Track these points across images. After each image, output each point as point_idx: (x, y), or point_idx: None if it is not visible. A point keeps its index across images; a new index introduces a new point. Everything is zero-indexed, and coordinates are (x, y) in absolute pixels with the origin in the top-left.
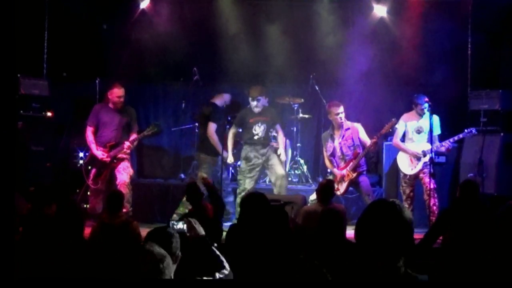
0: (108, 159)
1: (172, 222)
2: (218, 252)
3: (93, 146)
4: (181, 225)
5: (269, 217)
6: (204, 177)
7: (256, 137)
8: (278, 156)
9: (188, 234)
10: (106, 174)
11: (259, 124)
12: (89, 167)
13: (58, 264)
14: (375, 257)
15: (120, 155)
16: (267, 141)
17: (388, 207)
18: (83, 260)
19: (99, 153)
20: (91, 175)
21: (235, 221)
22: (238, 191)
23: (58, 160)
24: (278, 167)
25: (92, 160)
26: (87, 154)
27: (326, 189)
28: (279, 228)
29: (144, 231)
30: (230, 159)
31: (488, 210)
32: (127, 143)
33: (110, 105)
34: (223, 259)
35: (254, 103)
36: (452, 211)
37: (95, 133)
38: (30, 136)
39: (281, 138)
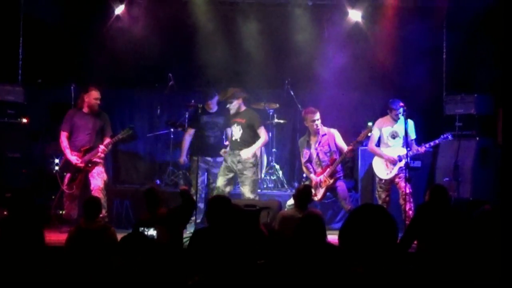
0: (82, 164)
1: (142, 228)
2: None
3: (67, 151)
4: (151, 232)
5: (233, 221)
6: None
7: (233, 139)
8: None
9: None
10: (81, 178)
11: (235, 126)
12: (64, 172)
13: (20, 268)
14: (361, 260)
15: (94, 159)
16: (244, 145)
17: (378, 211)
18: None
19: (74, 158)
20: (66, 180)
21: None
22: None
23: (33, 166)
24: (245, 188)
25: (67, 165)
26: (62, 159)
27: (303, 194)
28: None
29: (120, 237)
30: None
31: (459, 214)
32: (101, 147)
33: (84, 109)
34: None
35: (228, 106)
36: (424, 215)
37: (69, 138)
38: (5, 142)
39: (260, 140)
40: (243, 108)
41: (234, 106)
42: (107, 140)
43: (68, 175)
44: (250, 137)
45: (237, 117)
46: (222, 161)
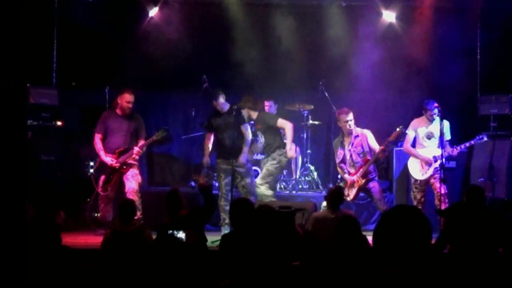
0: (118, 165)
1: (171, 231)
2: None
3: (102, 153)
4: (181, 234)
5: (263, 223)
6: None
7: (260, 145)
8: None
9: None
10: (116, 180)
11: (259, 133)
12: (99, 175)
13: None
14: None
15: (129, 161)
16: (271, 148)
17: (412, 212)
18: (62, 266)
19: (108, 159)
20: (100, 182)
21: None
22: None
23: (68, 169)
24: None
25: (101, 167)
26: (97, 161)
27: (335, 196)
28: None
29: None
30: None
31: (495, 215)
32: (136, 148)
33: (118, 111)
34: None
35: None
36: (458, 215)
37: (104, 140)
38: (40, 145)
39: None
40: (255, 114)
41: (244, 115)
42: (142, 142)
43: (102, 177)
44: (273, 138)
45: (256, 125)
46: (245, 160)
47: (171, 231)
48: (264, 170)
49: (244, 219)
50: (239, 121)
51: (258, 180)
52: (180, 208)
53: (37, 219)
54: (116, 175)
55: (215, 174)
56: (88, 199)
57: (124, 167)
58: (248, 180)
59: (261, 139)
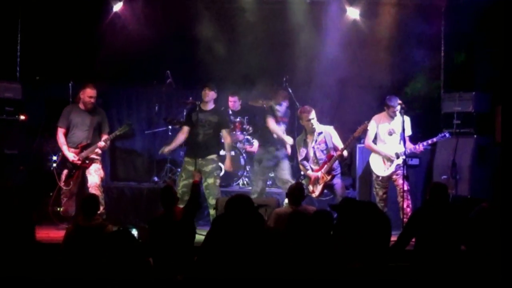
0: (80, 161)
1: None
2: None
3: (64, 148)
4: (134, 231)
5: (251, 220)
6: (197, 175)
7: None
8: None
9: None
10: (78, 175)
11: (281, 124)
12: (61, 169)
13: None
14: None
15: (91, 156)
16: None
17: (370, 208)
18: (37, 262)
19: (71, 155)
20: (63, 177)
21: None
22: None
23: (31, 163)
24: (286, 172)
25: (64, 161)
26: (59, 156)
27: (296, 191)
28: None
29: None
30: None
31: (458, 212)
32: (101, 143)
33: (81, 105)
34: None
35: (276, 108)
36: (423, 213)
37: (66, 135)
38: (3, 139)
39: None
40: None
41: (283, 109)
42: (105, 136)
43: (65, 172)
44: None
45: (283, 117)
46: (213, 160)
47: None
48: (288, 167)
49: (239, 214)
50: (223, 123)
51: (289, 178)
52: (175, 203)
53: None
54: (78, 170)
55: (179, 170)
56: (51, 193)
57: (87, 161)
58: (211, 180)
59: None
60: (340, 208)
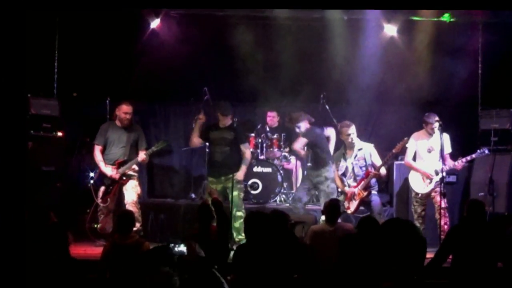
0: (118, 175)
1: (172, 244)
2: (218, 274)
3: (101, 164)
4: (181, 248)
5: (271, 236)
6: (213, 191)
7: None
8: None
9: (187, 257)
10: (115, 192)
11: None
12: (98, 186)
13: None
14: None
15: (128, 172)
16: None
17: (404, 226)
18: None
19: (108, 169)
20: (100, 193)
21: None
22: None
23: (68, 180)
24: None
25: (101, 178)
26: (96, 173)
27: (331, 209)
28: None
29: None
30: None
31: (495, 229)
32: (142, 155)
33: (117, 122)
34: (223, 281)
35: (296, 129)
36: (460, 230)
37: (103, 152)
38: (40, 156)
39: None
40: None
41: (304, 129)
42: (143, 152)
43: (102, 189)
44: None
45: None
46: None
47: (172, 244)
48: (325, 192)
49: (258, 232)
50: (239, 138)
51: (325, 187)
52: (211, 221)
53: (52, 227)
54: (115, 186)
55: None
56: (88, 210)
57: (124, 178)
58: (235, 193)
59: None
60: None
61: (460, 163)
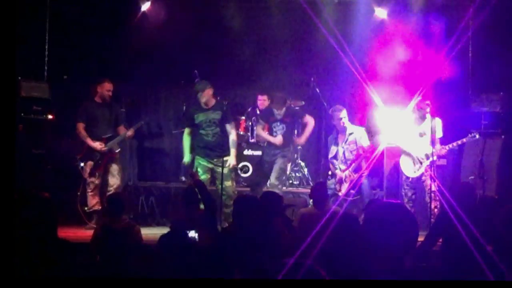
0: (106, 148)
1: (185, 231)
2: None
3: (88, 140)
4: (193, 234)
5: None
6: (195, 173)
7: (274, 134)
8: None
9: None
10: (104, 165)
11: (278, 124)
12: (86, 162)
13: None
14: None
15: (116, 150)
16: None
17: (397, 208)
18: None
19: (97, 144)
20: (87, 169)
21: None
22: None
23: (59, 163)
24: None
25: (89, 153)
26: (83, 150)
27: (318, 192)
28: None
29: (144, 235)
30: None
31: (485, 212)
32: (131, 130)
33: (98, 99)
34: None
35: (276, 112)
36: (450, 213)
37: (87, 129)
38: (31, 139)
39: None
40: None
41: (283, 112)
42: (124, 129)
43: (90, 164)
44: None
45: (283, 118)
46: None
47: (185, 231)
48: (277, 168)
49: (247, 216)
50: (227, 118)
51: (273, 181)
52: (198, 205)
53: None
54: (104, 161)
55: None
56: (78, 193)
57: (111, 152)
58: (228, 183)
59: (279, 129)
60: (367, 210)
61: (447, 148)
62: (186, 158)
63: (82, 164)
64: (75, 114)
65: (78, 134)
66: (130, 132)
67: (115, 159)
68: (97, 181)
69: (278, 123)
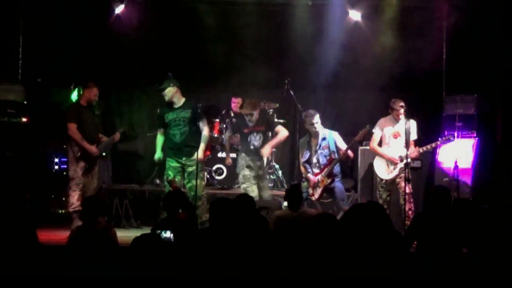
0: (98, 153)
1: (159, 231)
2: None
3: (85, 143)
4: (168, 234)
5: (238, 222)
6: (172, 181)
7: (252, 147)
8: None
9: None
10: (94, 169)
11: (255, 134)
12: (78, 162)
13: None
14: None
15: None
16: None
17: (376, 208)
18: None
19: (93, 147)
20: (79, 170)
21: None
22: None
23: (34, 165)
24: (266, 191)
25: (84, 155)
26: (62, 159)
27: (292, 194)
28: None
29: (119, 237)
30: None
31: (460, 215)
32: (117, 134)
33: (83, 102)
34: None
35: (247, 118)
36: (425, 216)
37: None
38: (5, 142)
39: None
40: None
41: (255, 118)
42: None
43: (82, 165)
44: (266, 141)
45: (256, 126)
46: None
47: (158, 231)
48: (263, 173)
49: (223, 218)
50: (196, 117)
51: (266, 183)
52: (178, 209)
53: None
54: (95, 164)
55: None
56: (53, 196)
57: (103, 154)
58: (198, 181)
59: (257, 139)
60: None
61: (420, 151)
62: (157, 155)
63: (72, 166)
64: (49, 118)
65: (72, 135)
66: (117, 136)
67: (96, 162)
68: (82, 182)
69: (255, 134)
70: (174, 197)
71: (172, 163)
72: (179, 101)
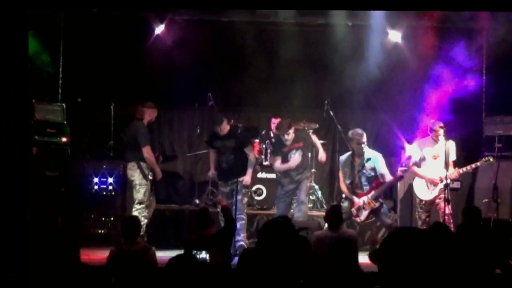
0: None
1: (195, 251)
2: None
3: (156, 166)
4: (203, 255)
5: (290, 244)
6: (221, 199)
7: (294, 165)
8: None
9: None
10: (153, 191)
11: (294, 152)
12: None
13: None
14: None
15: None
16: (302, 167)
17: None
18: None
19: (159, 170)
20: (148, 193)
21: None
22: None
23: (72, 185)
24: (302, 193)
25: (154, 179)
26: (102, 179)
27: (332, 215)
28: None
29: (159, 257)
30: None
31: (495, 235)
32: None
33: (145, 122)
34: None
35: (284, 137)
36: (457, 236)
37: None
38: (45, 161)
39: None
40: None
41: (291, 136)
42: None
43: (149, 188)
44: (307, 156)
45: (293, 143)
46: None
47: (194, 251)
48: (305, 188)
49: (274, 240)
50: (242, 143)
51: (303, 198)
52: (208, 226)
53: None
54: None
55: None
56: (92, 215)
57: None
58: (239, 197)
59: (297, 157)
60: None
61: (460, 172)
62: (211, 170)
63: (141, 188)
64: (89, 137)
65: (149, 158)
66: (160, 159)
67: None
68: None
69: (294, 151)
70: (205, 213)
71: (221, 187)
72: (225, 129)
